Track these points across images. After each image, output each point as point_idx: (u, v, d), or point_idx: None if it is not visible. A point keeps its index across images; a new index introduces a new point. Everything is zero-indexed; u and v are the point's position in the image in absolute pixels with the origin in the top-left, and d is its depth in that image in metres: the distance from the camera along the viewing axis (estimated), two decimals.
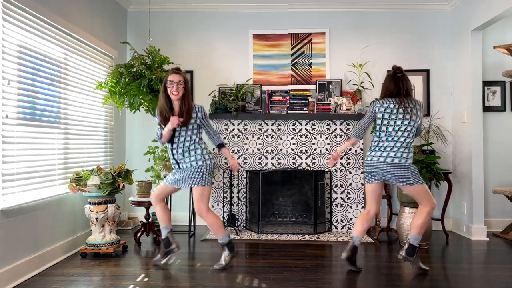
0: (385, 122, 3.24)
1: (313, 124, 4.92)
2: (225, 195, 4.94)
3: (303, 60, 5.16)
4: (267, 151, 4.96)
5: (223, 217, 4.92)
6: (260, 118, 4.93)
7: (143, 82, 3.99)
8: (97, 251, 3.76)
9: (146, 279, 3.20)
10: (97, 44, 4.36)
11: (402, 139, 3.20)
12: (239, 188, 4.96)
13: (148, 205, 4.25)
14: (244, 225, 4.94)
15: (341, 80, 5.07)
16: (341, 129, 4.90)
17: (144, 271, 3.39)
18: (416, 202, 4.14)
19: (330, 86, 5.07)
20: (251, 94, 5.02)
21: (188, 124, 3.30)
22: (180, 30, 5.24)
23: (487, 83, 4.98)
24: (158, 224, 4.60)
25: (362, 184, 4.87)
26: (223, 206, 4.93)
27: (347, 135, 4.87)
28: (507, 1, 3.84)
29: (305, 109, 4.91)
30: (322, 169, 4.90)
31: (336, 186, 4.89)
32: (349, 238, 4.48)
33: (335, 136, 4.91)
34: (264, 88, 5.12)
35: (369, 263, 3.65)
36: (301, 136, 4.93)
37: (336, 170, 4.90)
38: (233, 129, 4.97)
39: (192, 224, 4.72)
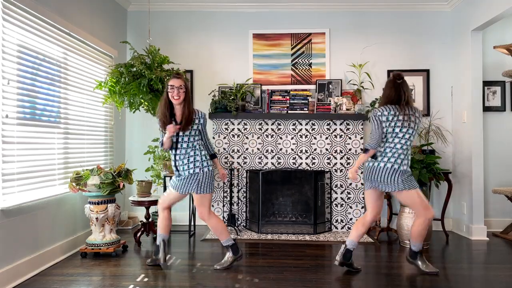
0: (384, 130, 3.22)
1: (313, 124, 4.92)
2: (225, 194, 4.94)
3: (303, 60, 5.16)
4: (267, 151, 4.96)
5: (223, 217, 4.92)
6: (260, 117, 4.93)
7: (143, 81, 3.99)
8: (97, 251, 3.76)
9: (146, 279, 3.20)
10: (97, 44, 4.35)
11: (398, 146, 3.19)
12: (239, 187, 4.96)
13: (148, 204, 4.25)
14: (244, 224, 4.94)
15: (341, 80, 5.07)
16: (341, 129, 4.90)
17: (144, 271, 3.39)
18: None
19: (330, 86, 5.07)
20: (251, 93, 5.02)
21: (190, 129, 3.30)
22: (180, 29, 5.24)
23: (487, 83, 4.99)
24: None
25: (362, 184, 4.87)
26: (223, 205, 4.93)
27: (348, 136, 4.87)
28: (507, 1, 3.84)
29: (305, 109, 4.91)
30: (322, 169, 4.90)
31: (336, 186, 4.89)
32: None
33: (335, 136, 4.91)
34: (264, 87, 5.12)
35: (369, 263, 3.65)
36: (301, 136, 4.93)
37: (336, 170, 4.90)
38: (233, 129, 4.96)
39: (192, 224, 4.72)
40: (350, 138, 4.89)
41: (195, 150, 3.34)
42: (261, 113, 4.91)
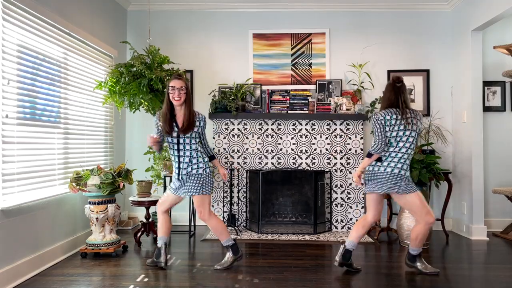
0: (387, 134, 3.21)
1: (313, 124, 4.92)
2: (225, 194, 4.94)
3: (303, 60, 5.16)
4: (267, 151, 4.96)
5: (223, 217, 4.92)
6: (260, 117, 4.93)
7: (143, 81, 3.99)
8: (97, 251, 3.76)
9: (146, 279, 3.20)
10: (97, 44, 4.35)
11: (403, 149, 3.19)
12: (239, 188, 4.96)
13: (148, 204, 4.25)
14: (244, 225, 4.94)
15: (341, 80, 5.07)
16: (341, 129, 4.90)
17: (144, 271, 3.39)
18: None
19: (330, 86, 5.06)
20: (251, 93, 5.02)
21: (191, 132, 3.32)
22: (180, 29, 5.24)
23: (487, 83, 4.99)
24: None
25: (362, 184, 4.86)
26: (223, 206, 4.93)
27: (348, 136, 4.87)
28: (507, 1, 3.84)
29: (305, 109, 4.91)
30: (322, 169, 4.90)
31: (336, 186, 4.89)
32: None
33: (335, 136, 4.91)
34: (264, 87, 5.12)
35: (369, 263, 3.65)
36: (301, 136, 4.93)
37: (336, 170, 4.90)
38: (233, 129, 4.96)
39: (192, 224, 4.72)
40: (350, 138, 4.89)
41: (197, 152, 3.35)
42: (261, 113, 4.91)
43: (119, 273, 3.34)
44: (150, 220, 4.35)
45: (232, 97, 4.90)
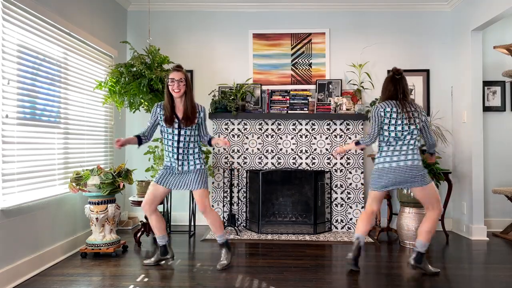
0: (392, 127, 3.20)
1: (313, 124, 4.92)
2: (225, 194, 4.94)
3: (303, 60, 5.16)
4: (267, 151, 4.96)
5: (223, 217, 4.92)
6: (260, 117, 4.93)
7: (143, 81, 3.99)
8: (97, 251, 3.75)
9: (146, 279, 3.20)
10: (97, 44, 4.35)
11: (412, 141, 3.20)
12: (239, 188, 4.96)
13: None
14: (244, 225, 4.94)
15: (341, 80, 5.07)
16: (341, 129, 4.90)
17: (144, 271, 3.39)
18: (417, 202, 4.14)
19: (330, 86, 5.07)
20: (251, 93, 5.02)
21: (193, 124, 3.33)
22: (180, 29, 5.24)
23: (487, 83, 4.99)
24: None
25: (362, 184, 4.87)
26: (223, 206, 4.93)
27: (348, 136, 4.88)
28: (507, 1, 3.84)
29: (305, 109, 4.91)
30: (322, 169, 4.90)
31: (336, 186, 4.89)
32: (350, 238, 4.49)
33: (335, 136, 4.91)
34: (264, 87, 5.12)
35: (369, 263, 3.65)
36: (301, 136, 4.93)
37: (336, 170, 4.90)
38: (233, 129, 4.96)
39: (192, 224, 4.72)
40: (350, 138, 4.89)
41: (195, 143, 3.39)
42: (261, 113, 4.91)
43: (119, 273, 3.34)
44: None
45: (232, 97, 4.90)
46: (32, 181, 3.30)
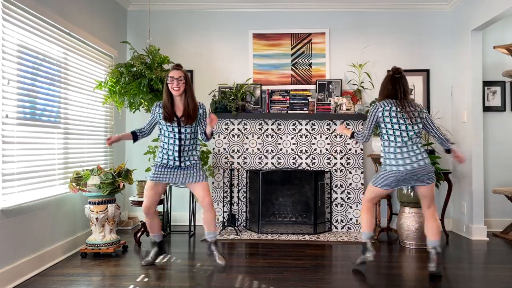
0: (395, 125, 3.17)
1: (313, 124, 4.92)
2: (225, 194, 4.94)
3: (303, 60, 5.16)
4: (267, 151, 4.96)
5: (223, 217, 4.92)
6: (260, 117, 4.93)
7: (143, 81, 3.99)
8: (97, 251, 3.75)
9: (146, 279, 3.20)
10: (97, 44, 4.35)
11: (419, 140, 3.21)
12: (239, 188, 4.96)
13: None
14: (244, 225, 4.94)
15: (341, 80, 5.07)
16: None
17: (144, 271, 3.39)
18: (417, 202, 4.14)
19: (330, 86, 5.07)
20: (251, 93, 5.02)
21: (194, 122, 3.37)
22: (180, 29, 5.24)
23: (487, 83, 4.99)
24: None
25: (362, 184, 4.87)
26: (223, 206, 4.93)
27: (348, 136, 4.87)
28: (507, 1, 3.84)
29: (305, 109, 4.91)
30: (322, 169, 4.90)
31: (336, 186, 4.89)
32: (350, 238, 4.48)
33: (335, 136, 4.91)
34: (264, 87, 5.12)
35: (369, 263, 3.64)
36: (301, 136, 4.93)
37: (336, 170, 4.90)
38: (233, 129, 4.96)
39: (192, 224, 4.72)
40: (354, 136, 4.87)
41: (195, 140, 3.46)
42: (261, 113, 4.91)
43: (119, 273, 3.34)
44: None
45: (232, 97, 4.90)
46: (32, 181, 3.30)
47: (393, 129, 3.19)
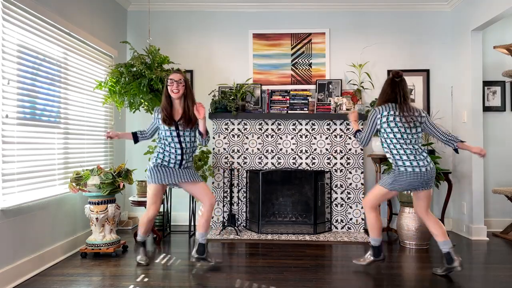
0: (395, 129, 3.16)
1: (313, 124, 4.92)
2: (225, 194, 4.94)
3: (303, 60, 5.16)
4: (267, 151, 4.96)
5: (223, 217, 4.92)
6: (260, 117, 4.93)
7: (143, 81, 3.99)
8: (97, 251, 3.75)
9: (146, 279, 3.20)
10: (97, 44, 4.35)
11: (420, 143, 3.21)
12: (239, 188, 4.96)
13: None
14: (244, 225, 4.94)
15: (341, 80, 5.07)
16: (341, 129, 4.89)
17: (144, 271, 3.39)
18: None
19: (330, 86, 5.07)
20: (251, 93, 5.02)
21: (193, 126, 3.40)
22: (180, 29, 5.24)
23: (487, 83, 4.99)
24: (158, 224, 4.61)
25: (362, 184, 4.87)
26: (223, 206, 4.93)
27: (348, 136, 4.88)
28: (507, 1, 3.84)
29: (305, 109, 4.91)
30: (322, 169, 4.90)
31: (336, 186, 4.89)
32: (350, 238, 4.48)
33: (335, 136, 4.91)
34: (264, 87, 5.11)
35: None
36: (301, 136, 4.93)
37: (336, 170, 4.90)
38: (233, 129, 4.96)
39: (192, 224, 4.72)
40: (350, 138, 4.89)
41: (195, 143, 3.50)
42: (261, 113, 4.91)
43: (119, 273, 3.34)
44: None
45: (232, 97, 4.90)
46: (32, 181, 3.30)
47: (393, 133, 3.18)
